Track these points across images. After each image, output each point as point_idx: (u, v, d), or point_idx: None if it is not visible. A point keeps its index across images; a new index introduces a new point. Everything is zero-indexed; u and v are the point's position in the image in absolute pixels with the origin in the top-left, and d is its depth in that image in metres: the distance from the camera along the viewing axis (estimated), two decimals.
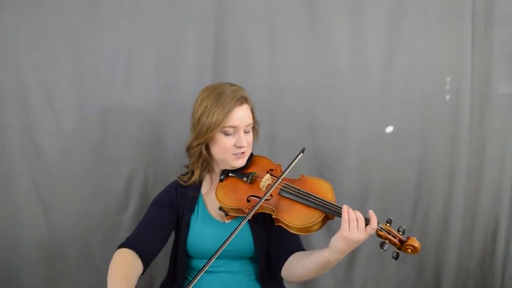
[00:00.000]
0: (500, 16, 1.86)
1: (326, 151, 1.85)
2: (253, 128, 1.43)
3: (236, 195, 1.34)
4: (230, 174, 1.41)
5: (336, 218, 1.22)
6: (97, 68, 1.68)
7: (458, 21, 1.86)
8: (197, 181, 1.42)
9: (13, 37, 1.62)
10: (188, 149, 1.41)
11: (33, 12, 1.62)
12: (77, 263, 1.74)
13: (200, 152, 1.37)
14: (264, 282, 1.40)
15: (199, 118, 1.35)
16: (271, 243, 1.38)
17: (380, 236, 1.17)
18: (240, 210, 1.30)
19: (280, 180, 1.29)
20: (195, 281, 1.15)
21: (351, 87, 1.84)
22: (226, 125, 1.32)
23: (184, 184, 1.43)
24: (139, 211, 1.75)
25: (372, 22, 1.82)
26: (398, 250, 1.16)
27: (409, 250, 1.16)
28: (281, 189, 1.29)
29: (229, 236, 1.18)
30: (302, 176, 1.36)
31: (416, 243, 1.16)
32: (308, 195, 1.25)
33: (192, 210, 1.40)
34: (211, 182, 1.44)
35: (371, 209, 1.18)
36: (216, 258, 1.37)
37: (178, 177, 1.47)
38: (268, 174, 1.36)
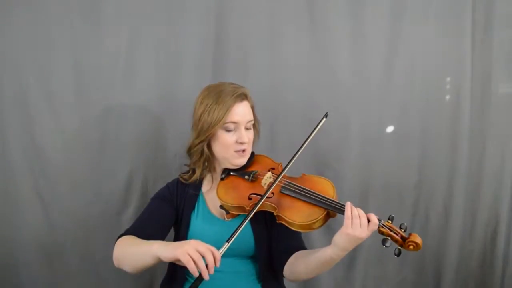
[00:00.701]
0: (500, 16, 1.86)
1: (326, 150, 1.85)
2: (254, 126, 1.43)
3: (238, 193, 1.34)
4: (231, 173, 1.41)
5: (338, 215, 1.22)
6: (97, 68, 1.68)
7: (458, 21, 1.86)
8: (198, 180, 1.43)
9: (13, 37, 1.62)
10: (190, 148, 1.41)
11: (33, 12, 1.62)
12: (77, 263, 1.74)
13: (202, 151, 1.38)
14: (264, 281, 1.40)
15: (199, 117, 1.35)
16: (273, 242, 1.38)
17: (382, 233, 1.18)
18: (241, 208, 1.31)
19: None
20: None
21: (351, 87, 1.84)
22: (227, 121, 1.32)
23: (185, 182, 1.43)
24: (139, 211, 1.74)
25: (372, 22, 1.83)
26: (400, 247, 1.17)
27: (411, 247, 1.16)
28: (282, 187, 1.30)
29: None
30: (303, 174, 1.37)
31: (418, 239, 1.16)
32: (310, 192, 1.25)
33: (192, 208, 1.40)
34: (212, 181, 1.45)
35: (371, 208, 1.19)
36: None
37: (180, 174, 1.47)
38: (270, 172, 1.36)
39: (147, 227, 1.33)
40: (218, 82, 1.44)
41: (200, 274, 1.06)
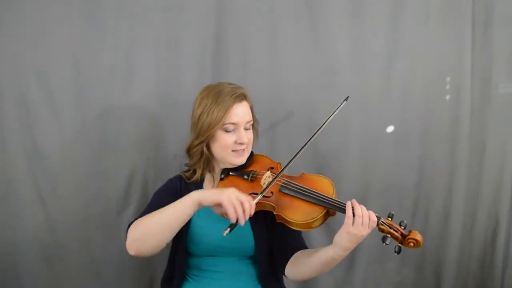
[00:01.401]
0: (500, 17, 1.86)
1: (326, 151, 1.85)
2: (253, 127, 1.43)
3: None
4: (230, 173, 1.41)
5: (337, 214, 1.22)
6: (97, 68, 1.68)
7: (458, 21, 1.86)
8: (199, 180, 1.43)
9: (14, 37, 1.62)
10: (189, 149, 1.41)
11: (33, 12, 1.62)
12: (77, 263, 1.74)
13: (202, 151, 1.38)
14: (265, 282, 1.40)
15: (198, 117, 1.35)
16: (274, 242, 1.38)
17: (382, 230, 1.18)
18: None
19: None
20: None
21: (351, 87, 1.84)
22: (226, 122, 1.32)
23: (187, 181, 1.43)
24: (139, 211, 1.74)
25: (372, 22, 1.83)
26: (400, 244, 1.17)
27: (411, 244, 1.16)
28: (281, 186, 1.30)
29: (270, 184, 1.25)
30: (302, 173, 1.37)
31: (418, 236, 1.16)
32: (309, 191, 1.25)
33: None
34: (213, 181, 1.44)
35: (371, 208, 1.19)
36: (216, 257, 1.38)
37: (181, 172, 1.47)
38: (269, 172, 1.36)
39: None
40: (217, 82, 1.43)
41: (237, 220, 1.14)
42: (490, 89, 1.90)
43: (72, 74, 1.67)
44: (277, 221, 1.27)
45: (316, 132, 1.35)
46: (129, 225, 1.27)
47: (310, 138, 1.35)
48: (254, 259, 1.40)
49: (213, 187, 1.43)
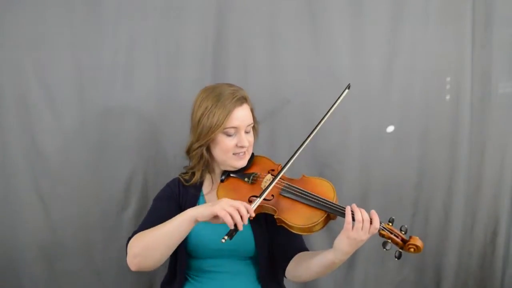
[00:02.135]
0: (500, 17, 1.86)
1: (326, 151, 1.85)
2: (253, 128, 1.43)
3: (237, 195, 1.33)
4: (231, 175, 1.40)
5: (338, 217, 1.22)
6: (97, 68, 1.68)
7: (458, 21, 1.86)
8: (198, 182, 1.42)
9: (14, 37, 1.62)
10: (189, 151, 1.41)
11: (33, 12, 1.62)
12: (77, 262, 1.74)
13: (202, 154, 1.37)
14: (264, 282, 1.40)
15: (199, 120, 1.34)
16: (274, 244, 1.38)
17: (382, 235, 1.17)
18: None
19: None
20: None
21: (351, 87, 1.84)
22: (227, 126, 1.31)
23: (186, 184, 1.43)
24: (139, 211, 1.75)
25: (372, 22, 1.83)
26: (400, 250, 1.17)
27: (412, 250, 1.16)
28: (282, 189, 1.29)
29: (268, 186, 1.24)
30: (303, 176, 1.36)
31: (418, 242, 1.16)
32: (310, 195, 1.25)
33: None
34: (212, 183, 1.44)
35: (371, 209, 1.18)
36: (217, 258, 1.38)
37: (180, 174, 1.47)
38: (270, 175, 1.36)
39: None
40: (216, 83, 1.42)
41: (236, 226, 1.13)
42: (490, 89, 1.90)
43: (72, 74, 1.67)
44: (278, 225, 1.27)
45: (318, 124, 1.35)
46: (129, 239, 1.27)
47: (312, 132, 1.35)
48: (255, 260, 1.40)
49: (212, 189, 1.43)
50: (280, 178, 1.30)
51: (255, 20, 1.77)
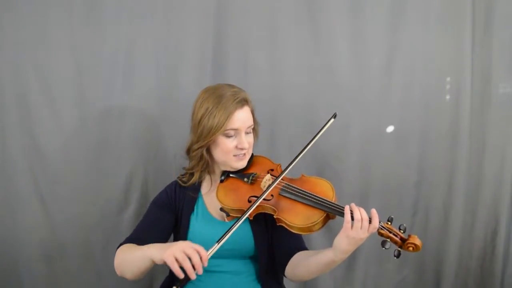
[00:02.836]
0: (500, 16, 1.86)
1: (326, 150, 1.85)
2: (253, 129, 1.43)
3: (237, 195, 1.33)
4: (230, 175, 1.41)
5: (338, 217, 1.22)
6: (97, 68, 1.68)
7: (458, 21, 1.86)
8: (197, 182, 1.42)
9: (14, 37, 1.62)
10: (188, 151, 1.41)
11: (33, 12, 1.62)
12: (77, 263, 1.74)
13: (201, 155, 1.37)
14: (264, 282, 1.40)
15: (199, 121, 1.34)
16: (274, 243, 1.38)
17: (381, 234, 1.17)
18: (241, 211, 1.30)
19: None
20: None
21: (351, 87, 1.84)
22: (228, 128, 1.31)
23: (183, 184, 1.43)
24: (139, 211, 1.75)
25: (372, 22, 1.83)
26: (399, 249, 1.17)
27: (411, 248, 1.16)
28: (281, 189, 1.29)
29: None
30: (302, 175, 1.36)
31: (417, 241, 1.16)
32: (309, 195, 1.25)
33: (191, 210, 1.40)
34: (211, 183, 1.44)
35: (372, 208, 1.18)
36: (216, 258, 1.38)
37: (178, 177, 1.47)
38: (269, 175, 1.36)
39: (147, 235, 1.34)
40: (217, 84, 1.42)
41: (187, 275, 1.07)
42: (490, 89, 1.90)
43: (72, 74, 1.67)
44: (277, 224, 1.27)
45: (301, 152, 1.31)
46: (120, 244, 1.32)
47: (296, 157, 1.32)
48: (254, 259, 1.40)
49: (211, 189, 1.43)
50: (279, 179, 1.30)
51: (255, 20, 1.77)
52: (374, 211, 1.17)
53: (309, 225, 1.21)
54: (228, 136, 1.33)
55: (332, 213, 1.21)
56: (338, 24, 1.81)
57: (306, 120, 1.82)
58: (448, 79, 1.91)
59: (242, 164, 1.38)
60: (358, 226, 1.14)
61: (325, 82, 1.83)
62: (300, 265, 1.30)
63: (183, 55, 1.74)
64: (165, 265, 1.10)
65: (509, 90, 1.91)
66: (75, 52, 1.67)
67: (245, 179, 1.37)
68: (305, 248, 1.36)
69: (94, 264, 1.76)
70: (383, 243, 1.15)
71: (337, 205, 1.20)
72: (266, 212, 1.29)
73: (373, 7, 1.82)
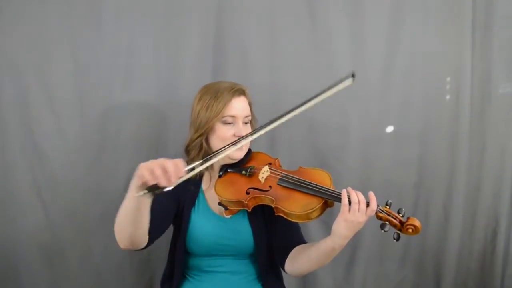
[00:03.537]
0: (500, 17, 1.86)
1: (326, 151, 1.86)
2: (251, 123, 1.43)
3: (235, 188, 1.34)
4: (229, 170, 1.41)
5: (336, 205, 1.22)
6: (97, 68, 1.68)
7: (458, 22, 1.86)
8: (197, 177, 1.42)
9: (14, 37, 1.62)
10: (188, 145, 1.40)
11: (33, 12, 1.62)
12: (77, 263, 1.74)
13: (201, 145, 1.37)
14: (265, 281, 1.40)
15: (198, 114, 1.35)
16: (273, 238, 1.38)
17: (380, 218, 1.18)
18: (239, 203, 1.31)
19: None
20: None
21: (351, 87, 1.84)
22: (225, 115, 1.33)
23: None
24: None
25: (372, 22, 1.83)
26: (398, 231, 1.18)
27: (410, 230, 1.17)
28: (279, 179, 1.30)
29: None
30: (300, 167, 1.37)
31: (416, 222, 1.17)
32: (307, 183, 1.26)
33: (192, 204, 1.40)
34: (210, 179, 1.44)
35: (371, 192, 1.18)
36: (216, 258, 1.38)
37: None
38: (267, 166, 1.36)
39: (151, 216, 1.31)
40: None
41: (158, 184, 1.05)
42: (490, 89, 1.90)
43: (72, 74, 1.67)
44: (276, 214, 1.27)
45: (311, 99, 1.28)
46: None
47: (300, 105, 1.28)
48: (254, 257, 1.40)
49: (211, 185, 1.42)
50: (277, 170, 1.32)
51: (255, 20, 1.77)
52: (372, 194, 1.18)
53: (307, 211, 1.21)
54: (226, 123, 1.34)
55: (330, 199, 1.21)
56: (338, 24, 1.81)
57: (306, 120, 1.82)
58: (448, 79, 1.91)
59: (240, 154, 1.38)
60: (356, 208, 1.14)
61: (325, 82, 1.82)
62: (300, 257, 1.30)
63: (183, 55, 1.74)
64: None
65: (509, 90, 1.91)
66: (75, 53, 1.66)
67: (243, 172, 1.37)
68: (304, 242, 1.36)
69: (94, 264, 1.76)
70: (382, 226, 1.16)
71: (335, 191, 1.21)
72: (264, 203, 1.29)
73: (373, 7, 1.82)
